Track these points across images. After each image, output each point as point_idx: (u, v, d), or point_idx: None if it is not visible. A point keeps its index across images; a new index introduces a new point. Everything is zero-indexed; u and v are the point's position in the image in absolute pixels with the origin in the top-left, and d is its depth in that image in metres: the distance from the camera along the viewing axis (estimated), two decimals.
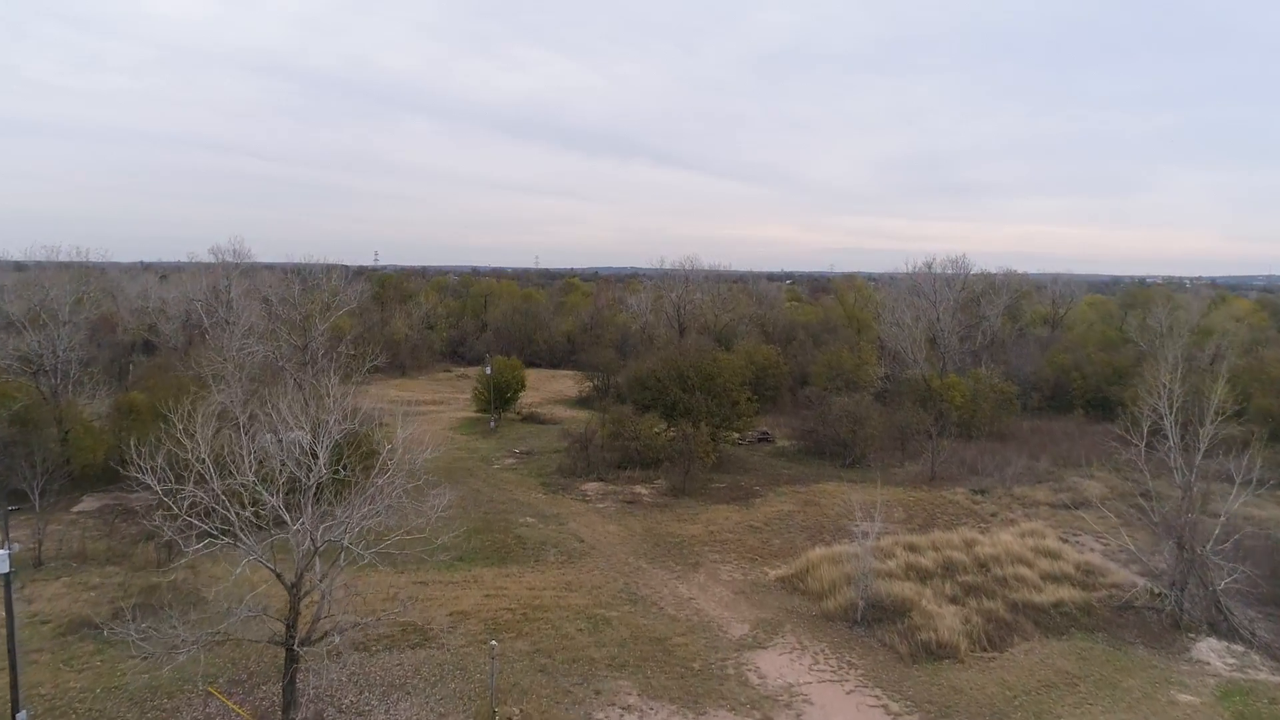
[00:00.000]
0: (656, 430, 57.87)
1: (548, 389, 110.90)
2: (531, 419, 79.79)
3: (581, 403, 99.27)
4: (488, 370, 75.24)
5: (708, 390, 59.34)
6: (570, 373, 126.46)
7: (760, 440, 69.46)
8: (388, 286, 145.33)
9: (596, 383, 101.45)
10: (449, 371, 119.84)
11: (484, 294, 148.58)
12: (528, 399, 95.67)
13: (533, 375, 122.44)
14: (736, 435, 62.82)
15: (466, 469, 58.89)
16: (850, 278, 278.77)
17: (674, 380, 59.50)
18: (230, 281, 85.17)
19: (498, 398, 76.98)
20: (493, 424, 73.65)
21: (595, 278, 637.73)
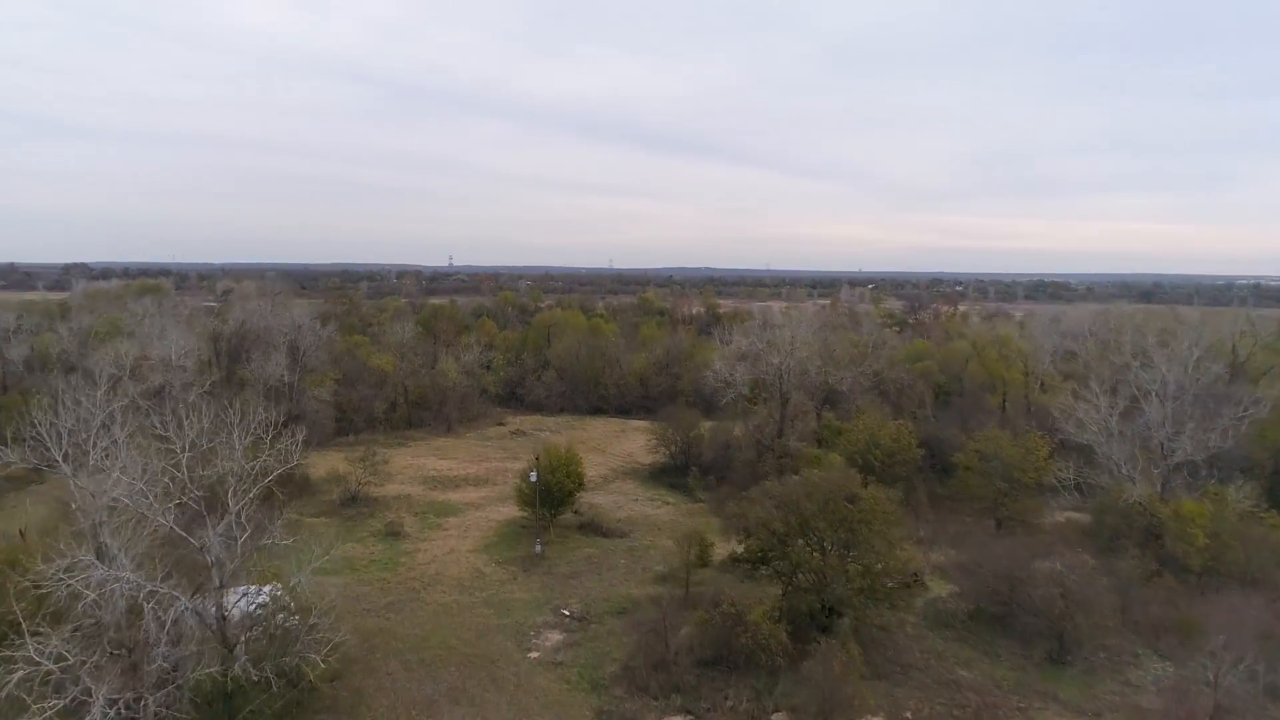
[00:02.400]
0: (773, 614, 37.42)
1: (616, 450, 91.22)
2: (592, 529, 59.93)
3: (658, 477, 79.41)
4: (533, 477, 55.62)
5: (847, 542, 38.84)
6: (643, 424, 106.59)
7: (909, 584, 48.28)
8: (440, 318, 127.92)
9: (674, 449, 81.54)
10: (502, 425, 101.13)
11: (546, 325, 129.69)
12: (592, 464, 76.52)
13: (598, 428, 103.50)
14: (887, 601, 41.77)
15: (486, 661, 39.17)
16: (946, 295, 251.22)
17: (797, 529, 39.02)
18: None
19: (547, 501, 57.46)
20: (538, 548, 54.04)
21: (670, 282, 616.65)
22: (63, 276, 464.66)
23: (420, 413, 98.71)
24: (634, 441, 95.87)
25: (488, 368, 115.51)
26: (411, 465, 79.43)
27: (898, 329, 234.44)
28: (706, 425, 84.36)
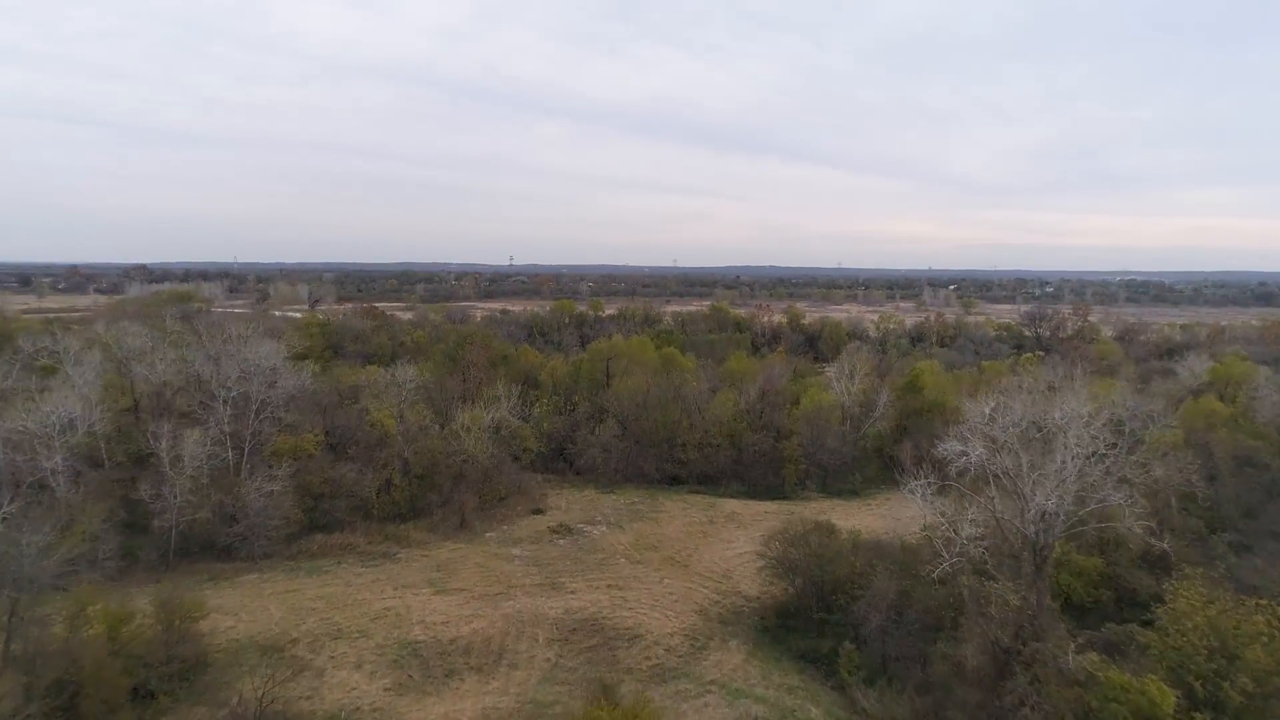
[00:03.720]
0: None
1: (706, 561, 60.10)
2: None
3: (779, 635, 48.08)
4: None
5: None
6: (738, 505, 75.99)
7: None
8: (471, 346, 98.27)
9: (799, 583, 50.21)
10: (540, 514, 70.77)
11: (605, 355, 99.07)
12: (668, 600, 45.97)
13: (676, 515, 71.52)
14: None
15: None
16: (1075, 305, 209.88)
17: None
18: None
19: None
20: None
21: (737, 283, 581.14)
22: (120, 279, 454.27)
23: (427, 494, 69.11)
24: (730, 541, 65.05)
25: (527, 418, 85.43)
26: (387, 611, 49.51)
27: (1015, 349, 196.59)
28: (852, 536, 52.89)
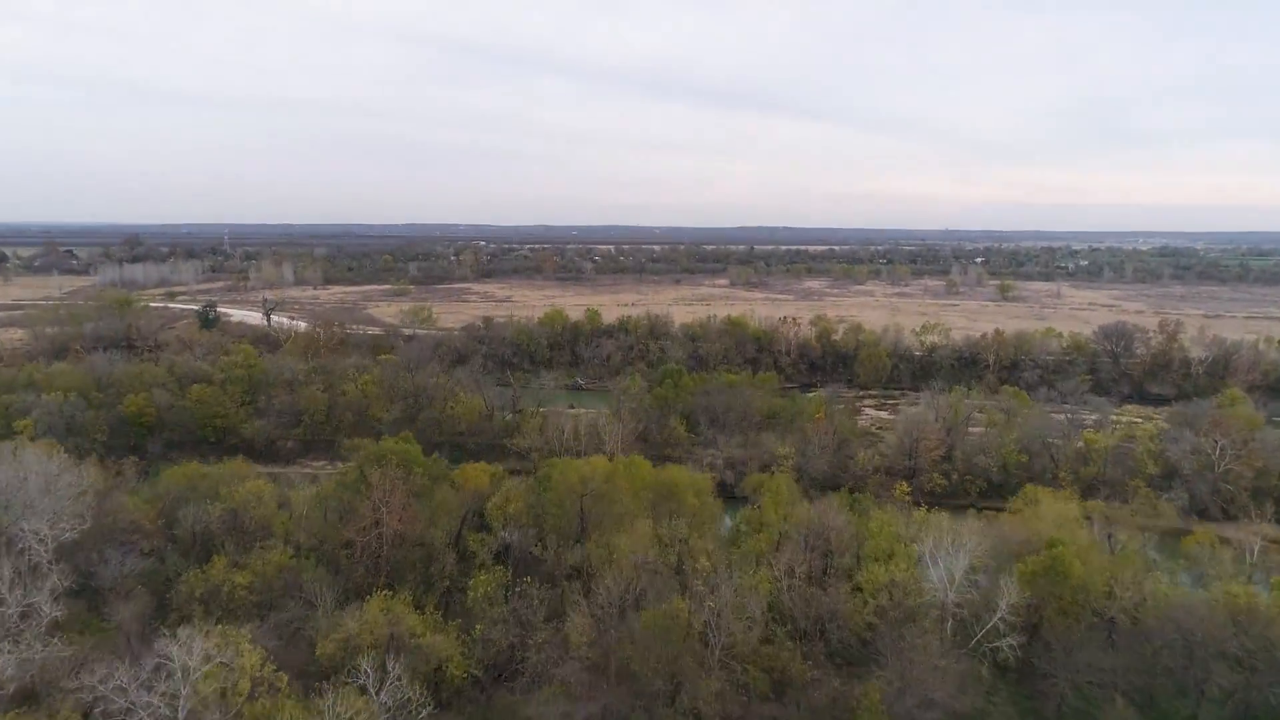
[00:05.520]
0: None
1: None
2: None
3: None
4: None
5: None
6: None
7: None
8: (387, 468, 65.51)
9: None
10: None
11: (579, 492, 66.41)
12: None
13: None
14: None
15: None
16: (1164, 326, 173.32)
17: None
18: None
19: None
20: None
21: (751, 255, 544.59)
22: (97, 259, 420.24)
23: None
24: None
25: (448, 619, 53.36)
26: None
27: (1089, 374, 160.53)
28: None
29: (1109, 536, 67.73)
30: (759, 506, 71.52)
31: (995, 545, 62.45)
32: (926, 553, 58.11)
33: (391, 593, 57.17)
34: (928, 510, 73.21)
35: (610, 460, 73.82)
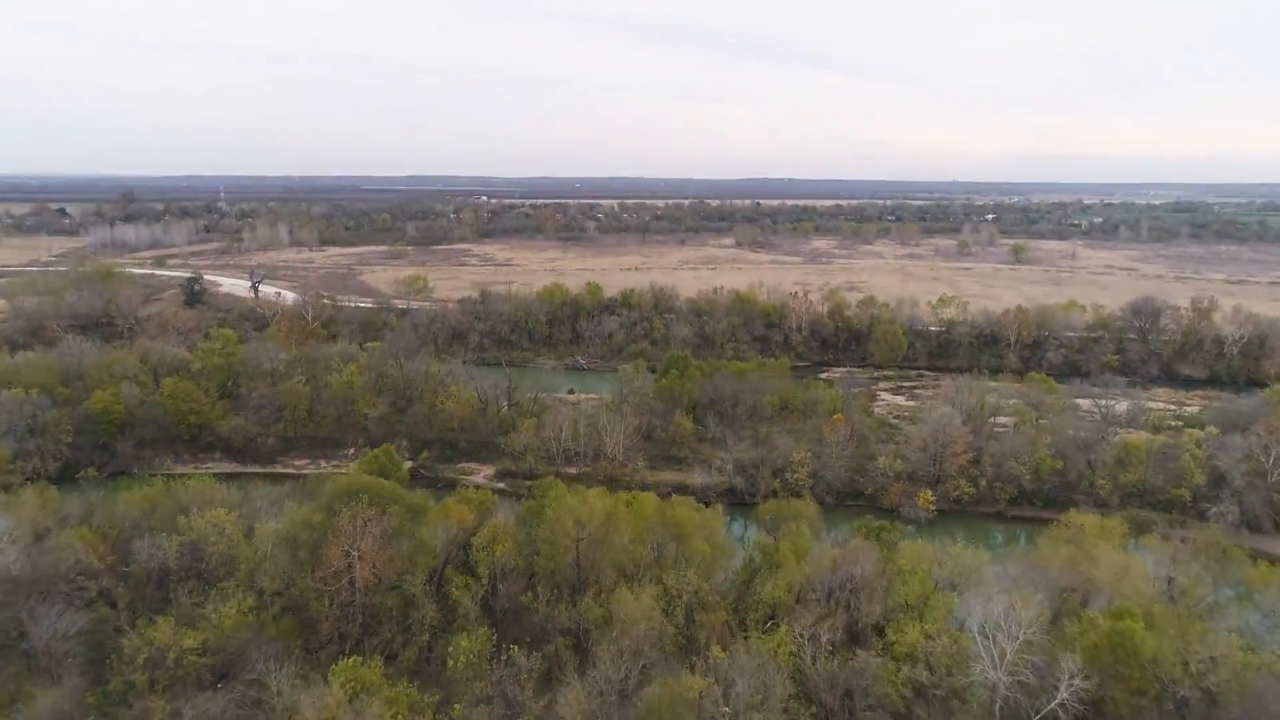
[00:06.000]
0: None
1: None
2: None
3: None
4: None
5: None
6: None
7: None
8: (354, 510, 57.88)
9: None
10: None
11: (574, 535, 58.80)
12: None
13: None
14: None
15: None
16: (1198, 305, 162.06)
17: None
18: None
19: None
20: None
21: (758, 212, 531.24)
22: (89, 219, 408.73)
23: None
24: None
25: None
26: None
27: (1117, 354, 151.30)
28: None
29: (1169, 580, 60.16)
30: (776, 538, 64.07)
31: (1047, 595, 54.97)
32: (970, 618, 50.55)
33: (361, 659, 50.15)
34: (961, 543, 65.78)
35: (609, 490, 65.95)
